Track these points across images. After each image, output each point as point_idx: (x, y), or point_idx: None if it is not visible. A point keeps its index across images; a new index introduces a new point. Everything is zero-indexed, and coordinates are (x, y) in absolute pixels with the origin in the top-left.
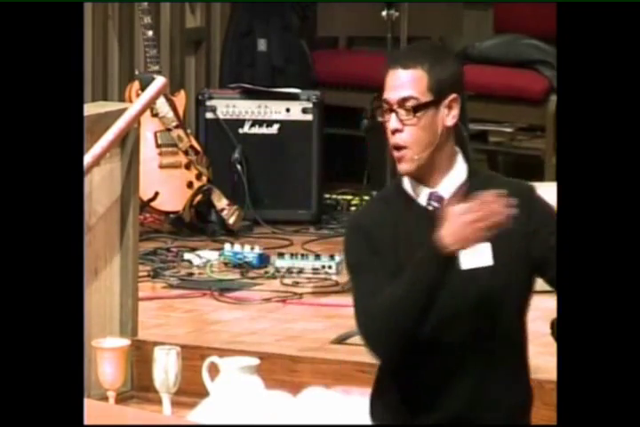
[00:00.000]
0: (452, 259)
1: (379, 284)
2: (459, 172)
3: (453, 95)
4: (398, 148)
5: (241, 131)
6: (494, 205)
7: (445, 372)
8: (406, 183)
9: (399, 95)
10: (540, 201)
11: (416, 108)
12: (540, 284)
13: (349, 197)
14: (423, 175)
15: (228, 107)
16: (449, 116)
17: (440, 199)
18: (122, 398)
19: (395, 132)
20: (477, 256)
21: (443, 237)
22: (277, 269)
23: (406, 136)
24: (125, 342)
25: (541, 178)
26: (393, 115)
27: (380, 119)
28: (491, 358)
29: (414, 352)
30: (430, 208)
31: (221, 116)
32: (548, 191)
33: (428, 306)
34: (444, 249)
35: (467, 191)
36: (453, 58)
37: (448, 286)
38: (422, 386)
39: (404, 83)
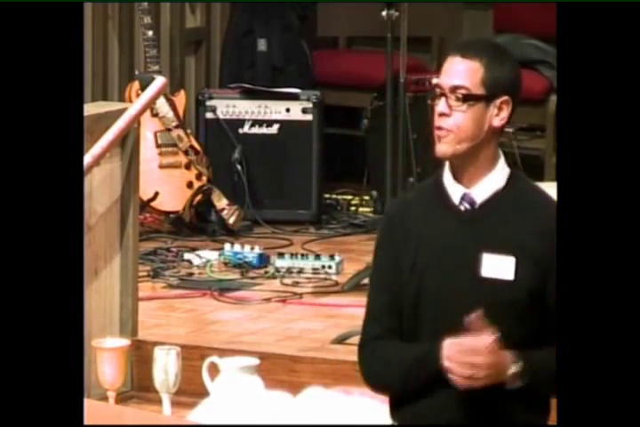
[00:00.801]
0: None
1: (384, 306)
2: (497, 177)
3: (506, 97)
4: (441, 128)
5: (241, 131)
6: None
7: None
8: (445, 178)
9: (452, 82)
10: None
11: (466, 97)
12: None
13: (349, 197)
14: (461, 171)
15: (227, 107)
16: (498, 116)
17: (472, 202)
18: (122, 398)
19: (441, 115)
20: (500, 268)
21: (446, 359)
22: (277, 269)
23: (452, 121)
24: (125, 342)
25: (541, 178)
26: (443, 99)
27: (429, 102)
28: None
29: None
30: (462, 209)
31: (221, 116)
32: (548, 191)
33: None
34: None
35: (499, 201)
36: (514, 62)
37: (461, 290)
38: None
39: (460, 71)
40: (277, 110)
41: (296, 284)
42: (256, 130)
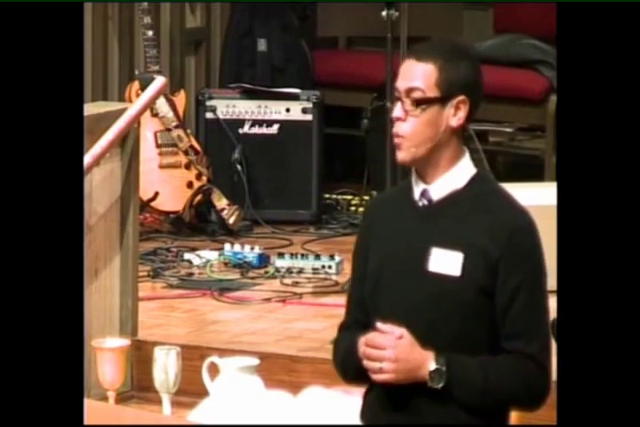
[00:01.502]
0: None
1: (354, 298)
2: (457, 176)
3: (462, 97)
4: (398, 136)
5: (241, 131)
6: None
7: None
8: (413, 175)
9: (407, 85)
10: (522, 245)
11: (420, 101)
12: None
13: (349, 197)
14: (422, 170)
15: (228, 107)
16: (455, 116)
17: (430, 199)
18: (122, 398)
19: (397, 120)
20: (447, 263)
21: (360, 353)
22: (277, 269)
23: (407, 127)
24: (125, 342)
25: (541, 178)
26: (399, 103)
27: (389, 105)
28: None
29: None
30: (420, 205)
31: (221, 116)
32: (548, 191)
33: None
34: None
35: (457, 200)
36: (472, 61)
37: (410, 283)
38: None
39: (414, 74)
40: (277, 110)
41: (296, 284)
42: (256, 130)
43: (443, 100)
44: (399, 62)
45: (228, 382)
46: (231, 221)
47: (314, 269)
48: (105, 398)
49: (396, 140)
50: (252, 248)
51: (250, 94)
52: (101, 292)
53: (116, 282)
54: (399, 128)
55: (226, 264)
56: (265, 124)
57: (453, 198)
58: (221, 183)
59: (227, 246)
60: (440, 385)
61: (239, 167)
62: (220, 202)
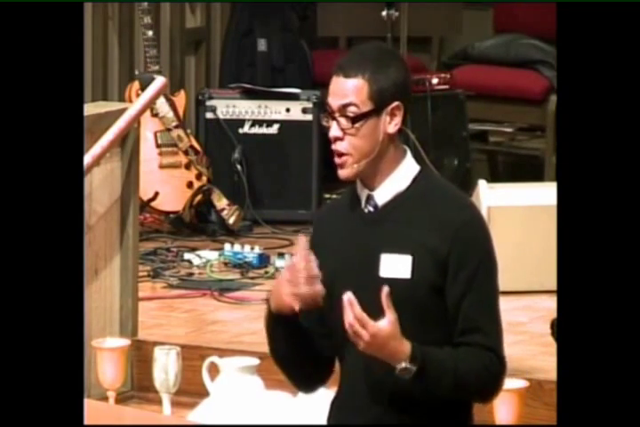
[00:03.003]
0: (283, 317)
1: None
2: (399, 178)
3: (396, 103)
4: (339, 154)
5: (241, 131)
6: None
7: (365, 371)
8: (357, 181)
9: (339, 103)
10: (468, 240)
11: (355, 119)
12: (539, 283)
13: None
14: (366, 179)
15: (228, 107)
16: (391, 123)
17: (375, 205)
18: (122, 398)
19: (335, 140)
20: (397, 267)
21: (268, 295)
22: (277, 269)
23: (346, 144)
24: (125, 342)
25: (541, 178)
26: (334, 122)
27: (324, 123)
28: None
29: (340, 349)
30: (366, 211)
31: (221, 116)
32: (548, 191)
33: (296, 353)
34: (270, 307)
35: (401, 202)
36: (398, 64)
37: (364, 292)
38: (348, 385)
39: (345, 91)
40: (277, 110)
41: None
42: (256, 130)
43: (377, 112)
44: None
45: (227, 382)
46: (231, 221)
47: None
48: (105, 398)
49: (338, 160)
50: (252, 248)
51: (250, 94)
52: (101, 292)
53: (116, 282)
54: (339, 146)
55: (226, 264)
56: (265, 124)
57: (398, 201)
58: (221, 183)
59: (227, 246)
60: (406, 377)
61: (239, 167)
62: (220, 202)
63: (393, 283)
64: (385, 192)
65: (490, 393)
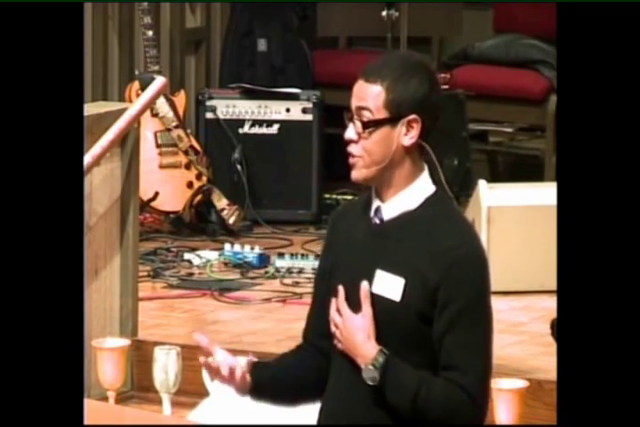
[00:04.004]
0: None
1: (310, 314)
2: (410, 197)
3: (413, 116)
4: (351, 156)
5: (241, 131)
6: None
7: (347, 380)
8: (373, 191)
9: (356, 105)
10: (459, 278)
11: (367, 124)
12: (539, 283)
13: (349, 197)
14: (377, 188)
15: (228, 107)
16: (407, 135)
17: (382, 217)
18: (122, 398)
19: (349, 141)
20: (389, 287)
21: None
22: (277, 269)
23: (357, 147)
24: (125, 342)
25: (541, 178)
26: (350, 124)
27: (346, 123)
28: None
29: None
30: (373, 222)
31: (221, 116)
32: (548, 191)
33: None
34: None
35: (407, 221)
36: (423, 77)
37: (356, 302)
38: (330, 396)
39: (363, 95)
40: (277, 110)
41: (296, 284)
42: (256, 130)
43: (392, 121)
44: None
45: None
46: (231, 221)
47: (314, 269)
48: (105, 398)
49: (350, 160)
50: (252, 248)
51: (250, 94)
52: (101, 292)
53: (116, 282)
54: (353, 148)
55: (226, 264)
56: (265, 124)
57: (403, 220)
58: (221, 183)
59: (227, 246)
60: (371, 383)
61: (239, 167)
62: (220, 202)
63: (383, 301)
64: (393, 207)
65: None
